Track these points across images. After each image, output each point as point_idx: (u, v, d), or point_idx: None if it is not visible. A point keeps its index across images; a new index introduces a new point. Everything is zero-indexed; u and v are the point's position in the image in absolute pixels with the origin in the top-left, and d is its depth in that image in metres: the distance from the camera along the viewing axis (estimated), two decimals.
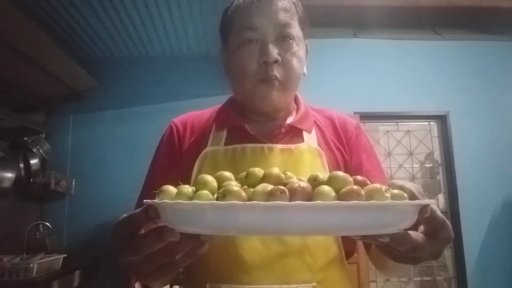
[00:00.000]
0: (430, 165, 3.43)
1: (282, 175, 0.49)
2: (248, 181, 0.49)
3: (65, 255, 2.41)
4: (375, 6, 3.16)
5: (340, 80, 3.26)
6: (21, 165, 2.64)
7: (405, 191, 0.46)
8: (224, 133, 0.82)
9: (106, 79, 3.26)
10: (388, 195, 0.43)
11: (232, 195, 0.42)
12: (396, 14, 3.28)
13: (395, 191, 0.45)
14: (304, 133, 0.82)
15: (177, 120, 0.88)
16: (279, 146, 0.78)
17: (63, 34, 2.92)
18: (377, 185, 0.44)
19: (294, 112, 0.87)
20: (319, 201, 0.41)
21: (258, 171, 0.50)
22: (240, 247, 0.69)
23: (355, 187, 0.43)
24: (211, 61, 3.20)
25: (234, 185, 0.46)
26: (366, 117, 3.18)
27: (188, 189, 0.45)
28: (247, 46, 0.76)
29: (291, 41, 0.77)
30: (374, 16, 3.23)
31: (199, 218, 0.41)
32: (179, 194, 0.44)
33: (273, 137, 0.80)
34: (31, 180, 2.70)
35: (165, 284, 0.71)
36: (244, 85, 0.77)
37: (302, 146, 0.79)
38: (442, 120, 3.37)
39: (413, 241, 0.46)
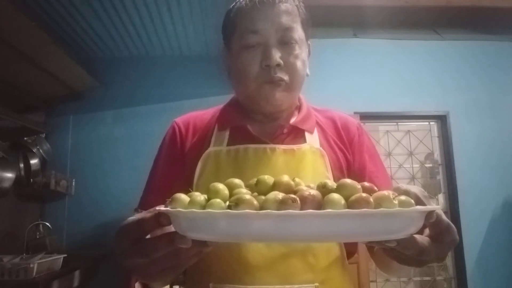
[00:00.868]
0: (430, 165, 3.44)
1: (292, 183, 0.49)
2: (258, 189, 0.50)
3: (65, 255, 2.41)
4: (375, 6, 3.16)
5: (340, 80, 3.26)
6: (21, 165, 2.64)
7: (410, 196, 0.47)
8: (227, 134, 0.82)
9: (106, 79, 3.25)
10: (396, 202, 0.44)
11: (244, 203, 0.43)
12: (396, 14, 3.28)
13: (402, 197, 0.46)
14: (306, 134, 0.82)
15: (179, 120, 0.88)
16: (282, 146, 0.78)
17: (63, 34, 2.91)
18: (385, 193, 0.45)
19: (296, 113, 0.87)
20: (330, 210, 0.42)
21: (268, 178, 0.51)
22: (243, 247, 0.70)
23: (364, 194, 0.44)
24: (211, 61, 3.20)
25: (245, 193, 0.47)
26: (366, 117, 3.18)
27: (200, 197, 0.46)
28: (249, 50, 0.76)
29: (293, 44, 0.76)
30: (374, 16, 3.23)
31: (212, 226, 0.42)
32: (192, 203, 0.45)
33: (275, 138, 0.80)
34: (31, 180, 2.70)
35: (166, 284, 0.71)
36: (248, 86, 0.78)
37: (304, 146, 0.79)
38: (442, 120, 3.37)
39: (419, 245, 0.47)
